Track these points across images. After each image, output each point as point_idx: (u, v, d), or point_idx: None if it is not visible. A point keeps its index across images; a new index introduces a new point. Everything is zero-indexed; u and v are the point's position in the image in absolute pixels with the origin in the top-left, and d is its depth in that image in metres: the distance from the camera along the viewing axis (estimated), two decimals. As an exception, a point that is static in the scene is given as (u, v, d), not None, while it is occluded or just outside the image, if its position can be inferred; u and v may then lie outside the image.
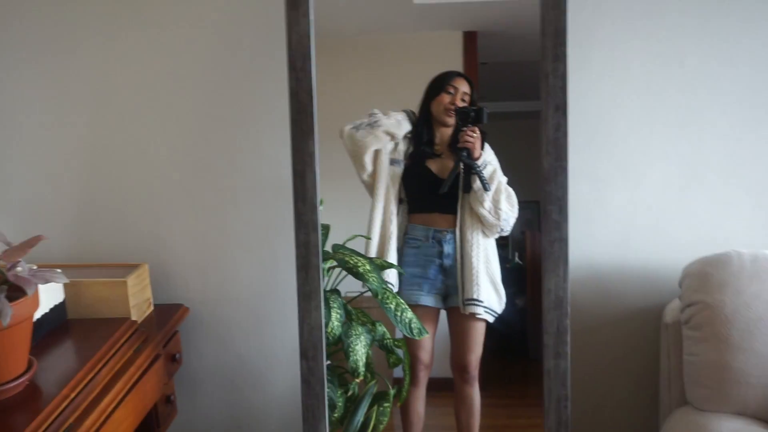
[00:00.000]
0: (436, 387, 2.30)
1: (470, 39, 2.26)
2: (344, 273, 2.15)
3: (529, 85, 2.36)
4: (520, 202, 2.16)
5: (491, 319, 2.21)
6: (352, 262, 2.10)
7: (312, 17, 1.85)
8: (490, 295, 2.19)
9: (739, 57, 2.14)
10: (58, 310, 1.97)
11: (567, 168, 1.83)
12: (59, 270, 1.63)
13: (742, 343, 1.86)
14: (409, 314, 2.11)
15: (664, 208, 2.22)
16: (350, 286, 2.19)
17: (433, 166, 2.19)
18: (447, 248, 2.18)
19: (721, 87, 2.16)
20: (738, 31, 2.14)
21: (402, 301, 2.12)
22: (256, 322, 2.36)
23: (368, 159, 2.17)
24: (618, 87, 2.17)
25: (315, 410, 1.94)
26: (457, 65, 2.23)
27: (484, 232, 2.17)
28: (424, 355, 2.24)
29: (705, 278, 1.94)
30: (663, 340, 2.12)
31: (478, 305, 2.17)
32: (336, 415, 2.11)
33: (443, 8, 2.24)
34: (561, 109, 1.82)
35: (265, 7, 2.17)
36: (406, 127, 2.18)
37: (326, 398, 1.95)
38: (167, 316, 2.19)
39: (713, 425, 1.83)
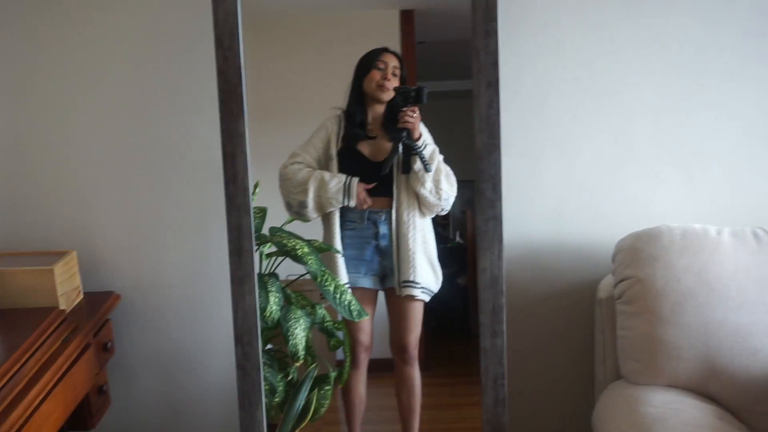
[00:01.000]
0: (377, 368, 2.30)
1: (407, 18, 2.24)
2: (283, 257, 2.13)
3: (467, 64, 2.36)
4: (460, 182, 2.16)
5: (428, 299, 2.21)
6: (290, 245, 2.07)
7: (239, -6, 1.81)
8: (427, 275, 2.18)
9: (667, 32, 2.16)
10: (-20, 300, 1.90)
11: (500, 146, 1.84)
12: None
13: (672, 316, 1.88)
14: (348, 296, 2.10)
15: (596, 184, 2.23)
16: (290, 269, 2.16)
17: (365, 149, 2.17)
18: (382, 229, 2.17)
19: (650, 63, 2.18)
20: (666, 6, 2.16)
21: (341, 283, 2.11)
22: (190, 309, 2.32)
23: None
24: (550, 63, 2.17)
25: (251, 396, 1.92)
26: (395, 44, 2.21)
27: (421, 212, 2.16)
28: (364, 336, 2.23)
29: (636, 253, 1.96)
30: (597, 315, 2.14)
31: (415, 287, 2.17)
32: (276, 399, 2.09)
33: (380, -15, 2.23)
34: (493, 86, 1.82)
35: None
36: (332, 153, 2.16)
37: (263, 384, 1.93)
38: (98, 305, 2.14)
39: (646, 397, 1.85)
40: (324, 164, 2.16)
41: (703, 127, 2.20)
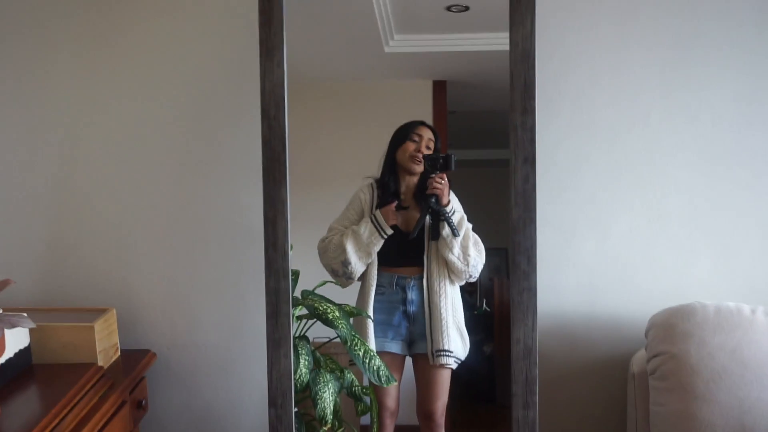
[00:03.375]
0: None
1: (440, 88, 2.30)
2: (312, 319, 2.16)
3: (497, 134, 2.39)
4: (488, 249, 2.18)
5: (455, 367, 2.21)
6: (321, 308, 2.10)
7: (285, 67, 1.88)
8: (457, 343, 2.19)
9: (700, 111, 2.20)
10: (23, 354, 1.93)
11: (535, 219, 1.86)
12: (25, 314, 1.61)
13: (706, 393, 1.88)
14: (378, 361, 2.10)
15: (630, 258, 2.25)
16: (318, 332, 2.18)
17: (398, 219, 2.21)
18: (411, 294, 2.19)
19: (683, 139, 2.21)
20: (699, 85, 2.20)
21: (371, 348, 2.12)
22: (223, 369, 2.34)
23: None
24: (585, 139, 2.22)
25: (283, 460, 1.93)
26: (427, 113, 2.27)
27: (451, 280, 2.18)
28: (390, 402, 2.23)
29: (670, 329, 1.97)
30: (630, 390, 2.14)
31: (448, 356, 2.17)
32: (305, 461, 2.10)
33: (414, 57, 2.29)
34: (529, 161, 1.85)
35: (240, 55, 2.20)
36: (380, 244, 2.19)
37: (294, 448, 1.94)
38: (134, 362, 2.17)
39: (679, 476, 1.84)
40: None
41: (737, 205, 2.22)
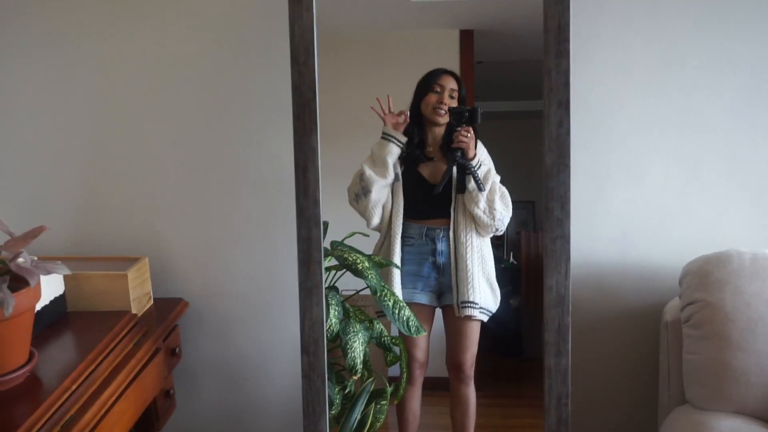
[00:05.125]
0: (432, 386, 2.30)
1: (467, 37, 2.26)
2: (341, 271, 2.16)
3: (525, 85, 2.36)
4: (515, 202, 2.16)
5: (486, 319, 2.21)
6: (351, 259, 2.09)
7: (315, 11, 1.85)
8: (486, 295, 2.19)
9: (737, 59, 2.15)
10: (58, 302, 1.97)
11: (569, 165, 1.84)
12: (60, 261, 1.63)
13: (742, 342, 1.86)
14: (407, 312, 2.11)
15: (664, 207, 2.22)
16: (346, 284, 2.19)
17: (424, 171, 2.19)
18: (440, 246, 2.18)
19: (720, 88, 2.17)
20: (736, 33, 2.15)
21: (400, 298, 2.12)
22: (255, 318, 2.36)
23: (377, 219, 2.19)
24: (619, 86, 2.17)
25: (316, 406, 1.94)
26: (454, 63, 2.23)
27: (478, 232, 2.17)
28: (420, 353, 2.24)
29: (705, 277, 1.94)
30: (663, 338, 2.12)
31: (474, 307, 2.17)
32: (333, 412, 2.11)
33: (440, 6, 2.24)
34: (564, 105, 1.82)
35: (268, 0, 2.17)
36: (395, 153, 2.17)
37: (327, 394, 1.95)
38: (167, 310, 2.19)
39: (712, 424, 1.83)
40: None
41: (773, 151, 2.18)
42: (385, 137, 2.15)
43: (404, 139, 2.15)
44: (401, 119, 2.16)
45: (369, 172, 2.16)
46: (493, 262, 2.21)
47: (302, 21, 1.85)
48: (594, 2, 2.15)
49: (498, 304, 2.22)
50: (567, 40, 1.80)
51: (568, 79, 1.82)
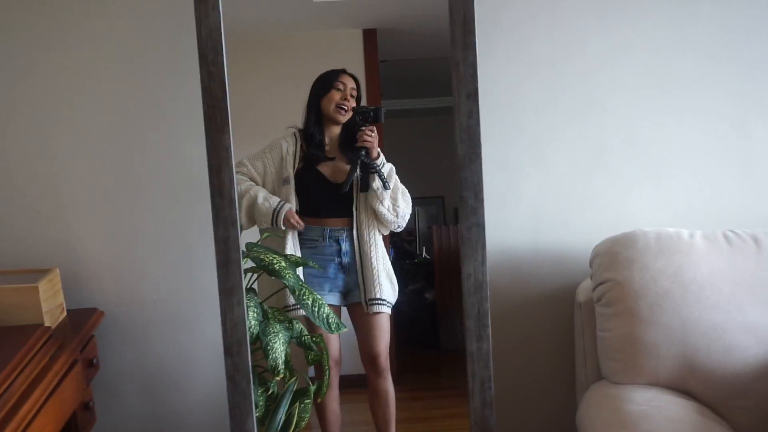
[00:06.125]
0: (350, 384, 2.33)
1: (370, 36, 2.29)
2: (255, 274, 2.16)
3: (430, 82, 2.41)
4: (424, 198, 2.22)
5: (389, 311, 2.26)
6: (267, 259, 2.10)
7: (221, 10, 1.84)
8: (387, 289, 2.24)
9: (635, 42, 2.24)
10: (-35, 319, 1.89)
11: (480, 155, 1.88)
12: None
13: (651, 316, 1.94)
14: (326, 309, 2.12)
15: (572, 192, 2.30)
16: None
17: (325, 170, 2.21)
18: (344, 246, 2.22)
19: (620, 72, 2.25)
20: (632, 22, 2.23)
21: (319, 297, 2.13)
22: (173, 323, 2.33)
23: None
24: (524, 75, 2.23)
25: (242, 406, 1.93)
26: (358, 63, 2.26)
27: (379, 230, 2.21)
28: (334, 351, 2.26)
29: (613, 257, 2.02)
30: (577, 318, 2.20)
31: (382, 303, 2.22)
32: (257, 413, 2.09)
33: (342, 6, 2.26)
34: (472, 96, 1.86)
35: (174, 1, 2.15)
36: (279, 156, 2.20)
37: (253, 394, 1.94)
38: (82, 321, 2.13)
39: (628, 396, 1.90)
40: (273, 184, 2.20)
41: (672, 134, 2.28)
42: (273, 217, 2.18)
43: (282, 228, 2.19)
44: (298, 226, 2.19)
45: (243, 219, 2.19)
46: (388, 256, 2.26)
47: (209, 20, 1.83)
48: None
49: (397, 295, 2.27)
50: (472, 33, 1.84)
51: (476, 71, 1.86)
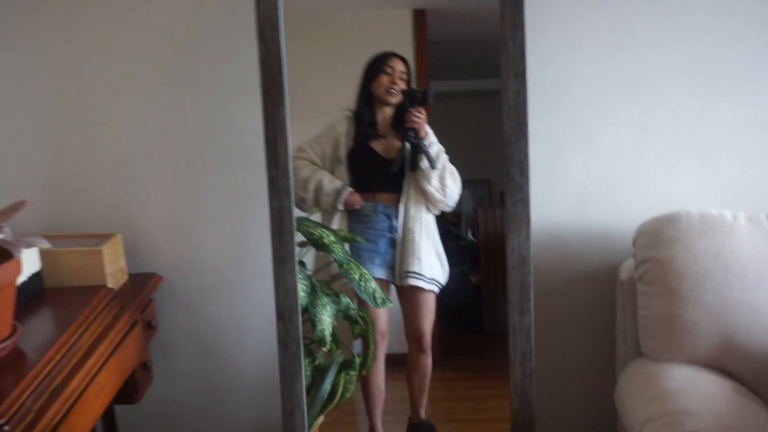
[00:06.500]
0: (395, 362, 2.37)
1: (420, 17, 2.31)
2: (305, 249, 2.22)
3: (479, 63, 2.42)
4: (471, 181, 2.25)
5: (437, 290, 2.30)
6: (316, 233, 2.16)
7: (280, -12, 1.91)
8: (434, 267, 2.29)
9: (683, 28, 2.25)
10: (35, 279, 2.00)
11: (527, 132, 1.93)
12: (39, 236, 1.67)
13: (691, 295, 1.96)
14: (373, 284, 2.18)
15: (617, 172, 2.32)
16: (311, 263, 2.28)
17: (377, 146, 2.27)
18: (395, 222, 2.27)
19: (668, 56, 2.26)
20: (681, 5, 2.24)
21: (365, 271, 2.19)
22: (227, 290, 2.42)
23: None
24: (573, 55, 2.26)
25: (292, 369, 2.02)
26: (408, 43, 2.29)
27: (427, 207, 2.26)
28: (379, 326, 2.31)
29: (656, 236, 2.04)
30: (618, 296, 2.23)
31: (419, 278, 2.27)
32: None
33: (393, -15, 2.29)
34: (520, 75, 1.91)
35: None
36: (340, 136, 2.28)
37: (302, 358, 2.02)
38: (142, 285, 2.23)
39: (666, 372, 1.94)
40: (330, 164, 2.27)
41: (718, 117, 2.29)
42: (335, 198, 2.25)
43: (341, 209, 2.27)
44: (357, 206, 2.27)
45: (310, 203, 2.27)
46: (439, 236, 2.30)
47: (267, -1, 1.91)
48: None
49: (447, 277, 2.31)
50: (522, 12, 1.89)
51: (524, 50, 1.91)
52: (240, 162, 2.32)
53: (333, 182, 2.25)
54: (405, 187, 2.25)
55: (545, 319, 2.33)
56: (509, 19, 1.90)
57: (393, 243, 2.28)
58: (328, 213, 2.27)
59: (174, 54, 2.29)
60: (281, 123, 1.93)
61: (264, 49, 1.92)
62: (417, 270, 2.25)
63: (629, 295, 2.17)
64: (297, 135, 2.23)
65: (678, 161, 2.32)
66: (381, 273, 2.29)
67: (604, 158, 2.32)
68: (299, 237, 2.16)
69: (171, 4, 2.26)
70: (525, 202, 1.95)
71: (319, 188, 2.24)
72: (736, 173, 2.32)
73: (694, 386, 1.86)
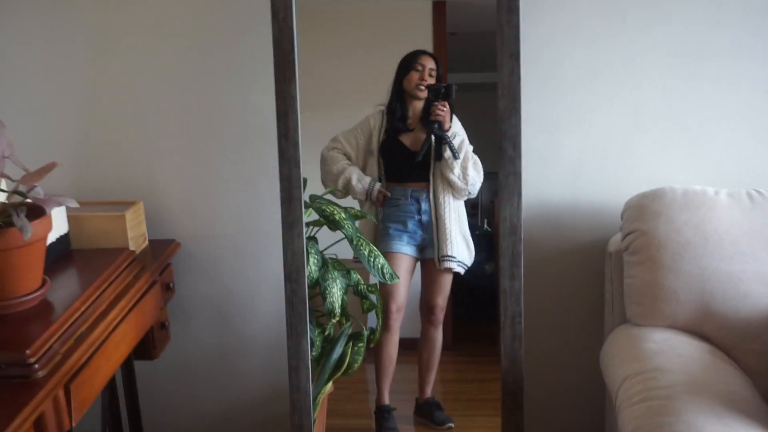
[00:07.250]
0: (408, 346, 2.48)
1: (439, 9, 2.39)
2: (317, 228, 2.35)
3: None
4: (489, 172, 2.35)
5: (462, 272, 2.43)
6: (328, 210, 2.27)
7: (293, -30, 2.03)
8: (463, 250, 2.42)
9: (672, 12, 2.33)
10: (63, 240, 2.14)
11: (520, 109, 2.06)
12: (68, 196, 1.82)
13: (672, 264, 2.07)
14: (382, 260, 2.30)
15: (608, 150, 2.42)
16: (324, 243, 2.39)
17: (406, 140, 2.41)
18: (424, 206, 2.41)
19: (657, 39, 2.34)
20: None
21: (375, 247, 2.32)
22: (241, 256, 2.55)
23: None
24: (567, 39, 2.35)
25: (298, 327, 2.16)
26: (427, 35, 2.39)
27: (453, 195, 2.40)
28: (399, 298, 2.44)
29: (642, 209, 2.15)
30: (607, 267, 2.34)
31: (453, 260, 2.40)
32: (314, 353, 2.28)
33: (411, -23, 2.36)
34: (515, 56, 2.04)
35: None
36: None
37: (307, 316, 2.16)
38: (161, 250, 2.38)
39: (647, 335, 2.06)
40: (363, 156, 2.41)
41: (706, 98, 2.37)
42: (368, 193, 2.41)
43: (373, 199, 2.42)
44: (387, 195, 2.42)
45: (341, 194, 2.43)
46: (467, 220, 2.44)
47: (281, -20, 2.04)
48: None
49: (473, 259, 2.44)
50: (516, -3, 2.02)
51: (518, 33, 2.03)
52: (254, 135, 2.43)
53: (361, 180, 2.40)
54: (432, 177, 2.39)
55: (537, 288, 2.45)
56: (505, 3, 2.03)
57: (421, 224, 2.42)
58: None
59: (194, 35, 2.41)
60: (292, 98, 2.07)
61: (277, 29, 2.05)
62: (451, 254, 2.40)
63: (617, 266, 2.28)
64: (321, 123, 2.39)
65: (667, 140, 2.41)
66: (409, 250, 2.44)
67: (597, 137, 2.42)
68: (314, 215, 2.30)
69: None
70: (517, 174, 2.08)
71: (347, 185, 2.40)
72: (722, 153, 2.41)
73: (671, 348, 1.98)
